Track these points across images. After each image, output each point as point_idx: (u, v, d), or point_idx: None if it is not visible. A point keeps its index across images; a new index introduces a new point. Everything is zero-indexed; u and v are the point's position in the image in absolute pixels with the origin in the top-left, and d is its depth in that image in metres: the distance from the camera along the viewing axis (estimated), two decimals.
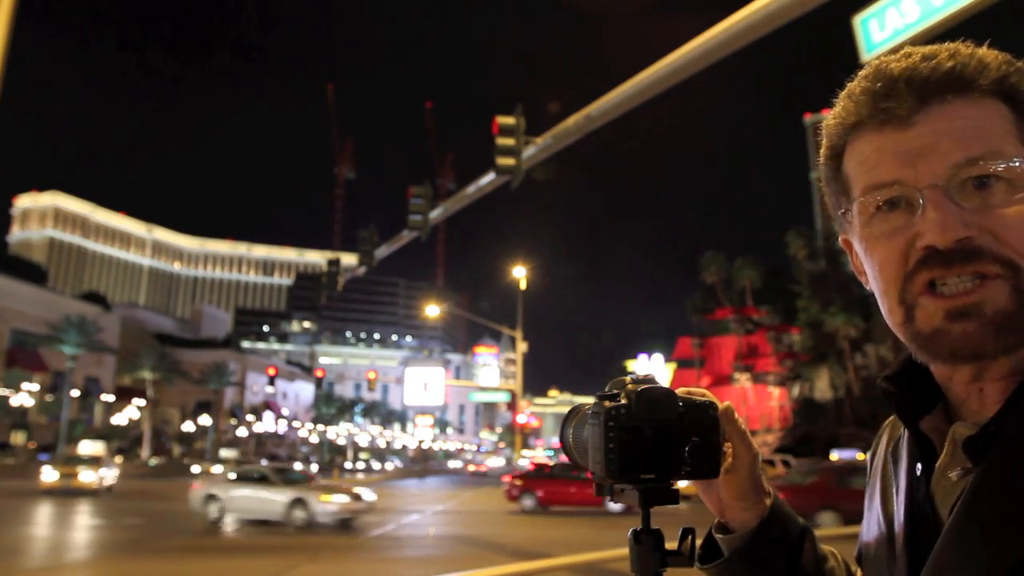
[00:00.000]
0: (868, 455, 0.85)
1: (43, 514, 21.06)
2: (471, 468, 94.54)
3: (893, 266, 0.67)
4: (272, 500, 17.27)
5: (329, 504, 16.97)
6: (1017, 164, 0.64)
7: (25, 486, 29.83)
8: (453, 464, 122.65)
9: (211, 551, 14.06)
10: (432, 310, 52.29)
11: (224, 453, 66.71)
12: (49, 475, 27.77)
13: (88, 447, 36.91)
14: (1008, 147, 0.64)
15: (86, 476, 27.58)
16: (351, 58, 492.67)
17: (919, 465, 0.71)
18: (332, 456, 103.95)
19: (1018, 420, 0.62)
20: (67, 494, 26.48)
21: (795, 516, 0.81)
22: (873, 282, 0.71)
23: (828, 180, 0.76)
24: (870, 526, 0.78)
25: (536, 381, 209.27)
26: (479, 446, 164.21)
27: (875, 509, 0.78)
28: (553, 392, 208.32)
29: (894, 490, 0.74)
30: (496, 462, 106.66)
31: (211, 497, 17.80)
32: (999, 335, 0.63)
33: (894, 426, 0.81)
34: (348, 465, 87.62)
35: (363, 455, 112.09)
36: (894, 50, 0.69)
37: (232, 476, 18.83)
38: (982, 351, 0.64)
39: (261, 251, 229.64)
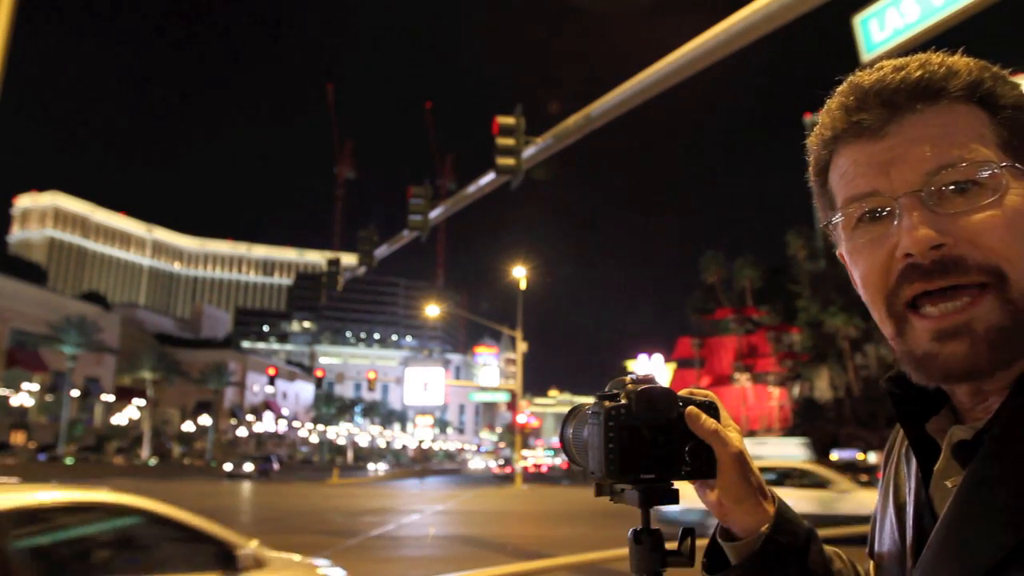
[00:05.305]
0: (884, 451, 0.83)
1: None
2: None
3: (875, 276, 0.68)
4: None
5: None
6: (987, 173, 0.63)
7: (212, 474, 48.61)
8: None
9: None
10: (432, 310, 52.34)
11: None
12: (227, 467, 51.52)
13: None
14: (981, 152, 0.64)
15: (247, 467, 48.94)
16: (351, 58, 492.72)
17: (913, 467, 0.72)
18: (332, 456, 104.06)
19: (1004, 424, 0.61)
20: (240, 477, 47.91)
21: (800, 519, 0.79)
22: (861, 294, 0.71)
23: (817, 195, 0.77)
24: (883, 525, 0.78)
25: (536, 381, 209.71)
26: (479, 446, 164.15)
27: (888, 508, 0.77)
28: (553, 392, 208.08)
29: (906, 491, 0.74)
30: (479, 463, 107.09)
31: None
32: (993, 352, 0.62)
33: None
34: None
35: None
36: (870, 63, 0.70)
37: None
38: (976, 371, 0.63)
39: (261, 251, 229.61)
